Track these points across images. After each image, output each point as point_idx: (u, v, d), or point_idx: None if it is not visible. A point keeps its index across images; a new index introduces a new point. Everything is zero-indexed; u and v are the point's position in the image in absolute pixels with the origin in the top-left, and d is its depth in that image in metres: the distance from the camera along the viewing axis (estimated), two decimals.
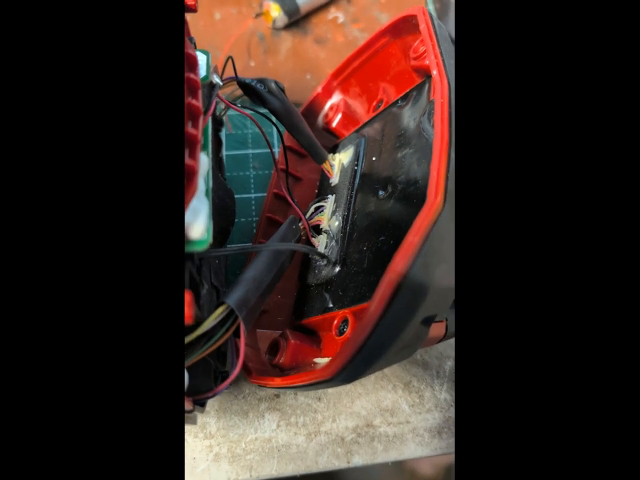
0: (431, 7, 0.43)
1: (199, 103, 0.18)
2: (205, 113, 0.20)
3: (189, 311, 0.15)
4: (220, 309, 0.19)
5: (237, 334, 0.20)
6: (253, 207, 0.32)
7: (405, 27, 0.27)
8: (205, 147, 0.19)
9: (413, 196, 0.22)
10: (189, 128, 0.17)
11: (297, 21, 0.41)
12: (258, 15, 0.40)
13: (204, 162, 0.18)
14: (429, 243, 0.17)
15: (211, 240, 0.17)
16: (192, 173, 0.17)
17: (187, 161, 0.16)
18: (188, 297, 0.15)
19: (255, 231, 0.31)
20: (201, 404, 0.20)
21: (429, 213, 0.17)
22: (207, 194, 0.18)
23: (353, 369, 0.17)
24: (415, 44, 0.26)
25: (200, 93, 0.19)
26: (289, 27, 0.40)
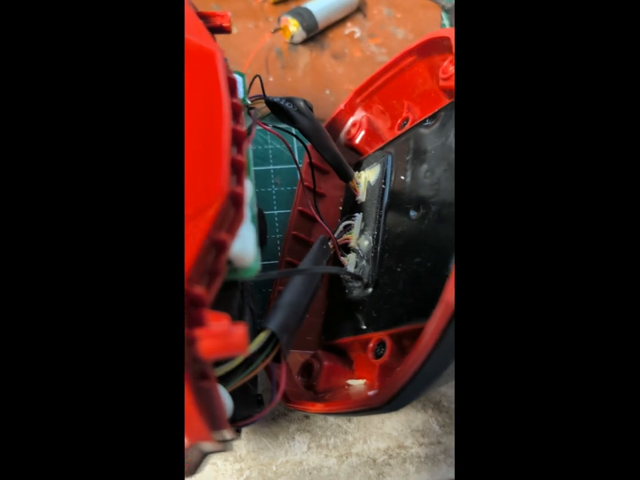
0: (446, 22, 0.44)
1: (242, 127, 0.18)
2: (247, 136, 0.19)
3: (244, 343, 0.15)
4: (262, 335, 0.19)
5: (277, 359, 0.20)
6: (277, 224, 0.32)
7: (434, 47, 0.27)
8: (249, 172, 0.19)
9: (449, 218, 0.22)
10: (235, 154, 0.17)
11: (314, 36, 0.41)
12: (276, 30, 0.40)
13: (249, 188, 0.18)
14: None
15: (259, 267, 0.17)
16: (240, 201, 0.17)
17: (235, 188, 0.16)
18: (243, 329, 0.15)
19: (279, 248, 0.31)
20: (238, 430, 0.20)
21: None
22: (252, 220, 0.18)
23: (404, 396, 0.17)
24: (445, 64, 0.26)
25: (242, 116, 0.19)
26: (305, 41, 0.40)
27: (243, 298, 0.19)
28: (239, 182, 0.17)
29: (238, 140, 0.18)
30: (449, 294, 0.16)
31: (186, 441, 0.15)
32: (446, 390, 0.27)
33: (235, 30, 0.41)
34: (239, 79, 0.22)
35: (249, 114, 0.22)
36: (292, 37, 0.39)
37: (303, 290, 0.21)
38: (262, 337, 0.19)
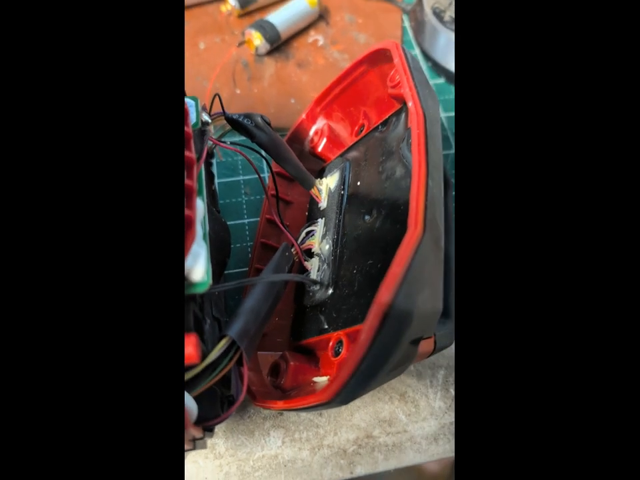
0: (407, 24, 0.45)
1: (192, 154, 0.20)
2: (198, 160, 0.21)
3: (195, 352, 0.16)
4: (222, 342, 0.20)
5: (240, 362, 0.21)
6: (247, 232, 0.33)
7: (380, 57, 0.28)
8: (199, 193, 0.21)
9: (397, 221, 0.23)
10: (185, 180, 0.19)
11: (278, 46, 0.42)
12: (241, 44, 0.41)
13: (200, 208, 0.19)
14: (411, 272, 0.18)
15: (210, 281, 0.19)
16: (190, 222, 0.18)
17: (186, 211, 0.18)
18: (194, 338, 0.17)
19: (250, 255, 0.32)
20: (209, 430, 0.22)
21: (410, 243, 0.19)
22: (204, 237, 0.20)
23: (349, 391, 0.18)
24: (391, 73, 0.28)
25: (192, 143, 0.20)
26: (271, 52, 0.42)
27: (203, 309, 0.21)
28: (189, 205, 0.18)
29: (188, 166, 0.20)
30: (381, 294, 0.18)
31: None
32: (411, 381, 0.28)
33: (202, 45, 0.43)
34: (191, 103, 0.23)
35: (203, 134, 0.24)
36: (257, 49, 0.41)
37: (263, 297, 0.23)
38: (222, 344, 0.20)
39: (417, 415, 0.28)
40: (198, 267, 0.18)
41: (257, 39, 0.40)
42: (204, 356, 0.20)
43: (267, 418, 0.27)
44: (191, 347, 0.16)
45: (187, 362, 0.16)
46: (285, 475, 0.26)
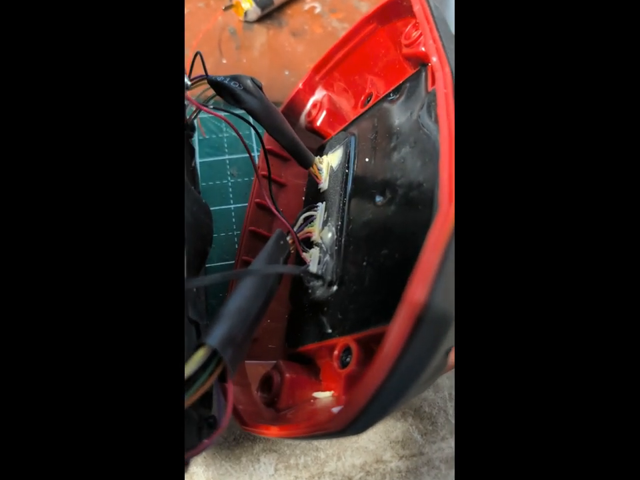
0: None
1: None
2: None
3: None
4: (200, 352, 0.16)
5: (223, 378, 0.17)
6: (234, 219, 0.29)
7: (394, 11, 0.24)
8: None
9: (417, 201, 0.19)
10: None
11: (270, 12, 0.37)
12: (227, 8, 0.36)
13: None
14: (448, 262, 0.14)
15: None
16: None
17: None
18: None
19: (236, 246, 0.28)
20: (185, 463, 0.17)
21: (445, 224, 0.14)
22: None
23: (368, 417, 0.14)
24: (407, 29, 0.23)
25: None
26: (262, 19, 0.37)
27: None
28: None
29: None
30: (413, 291, 0.13)
31: None
32: (427, 394, 0.24)
33: (185, 10, 0.38)
34: None
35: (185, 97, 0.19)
36: (246, 14, 0.36)
37: (252, 294, 0.18)
38: (200, 355, 0.16)
39: (435, 433, 0.23)
40: None
41: (246, 2, 0.35)
42: None
43: (256, 441, 0.23)
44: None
45: None
46: None
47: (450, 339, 0.15)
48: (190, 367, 0.16)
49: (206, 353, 0.16)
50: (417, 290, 0.13)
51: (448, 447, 0.23)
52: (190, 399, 0.16)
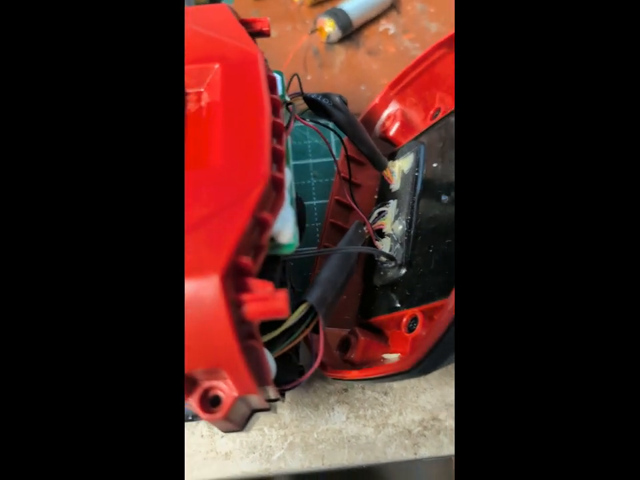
0: None
1: (282, 120, 0.20)
2: (286, 129, 0.22)
3: (286, 307, 0.17)
4: (302, 307, 0.21)
5: (315, 330, 0.22)
6: (315, 213, 0.34)
7: None
8: (287, 161, 0.21)
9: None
10: (275, 144, 0.19)
11: (349, 34, 0.42)
12: (313, 31, 0.42)
13: (288, 175, 0.20)
14: None
15: (298, 243, 0.19)
16: (280, 185, 0.19)
17: (276, 174, 0.18)
18: (284, 294, 0.17)
19: (318, 235, 0.33)
20: (282, 394, 0.22)
21: None
22: (291, 203, 0.20)
23: (430, 361, 0.18)
24: None
25: (282, 111, 0.21)
26: (341, 40, 0.42)
27: (285, 273, 0.21)
28: (279, 169, 0.19)
29: (278, 132, 0.20)
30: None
31: (235, 394, 0.18)
32: None
33: (274, 33, 0.44)
34: (277, 77, 0.24)
35: (288, 109, 0.24)
36: (328, 36, 0.41)
37: (339, 268, 0.23)
38: (302, 309, 0.21)
39: None
40: (286, 229, 0.19)
41: (329, 27, 0.41)
42: (282, 321, 0.21)
43: (331, 393, 0.27)
44: (282, 302, 0.17)
45: (278, 316, 0.16)
46: (348, 450, 0.26)
47: None
48: (293, 319, 0.21)
49: (305, 308, 0.21)
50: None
51: None
52: (291, 343, 0.21)
